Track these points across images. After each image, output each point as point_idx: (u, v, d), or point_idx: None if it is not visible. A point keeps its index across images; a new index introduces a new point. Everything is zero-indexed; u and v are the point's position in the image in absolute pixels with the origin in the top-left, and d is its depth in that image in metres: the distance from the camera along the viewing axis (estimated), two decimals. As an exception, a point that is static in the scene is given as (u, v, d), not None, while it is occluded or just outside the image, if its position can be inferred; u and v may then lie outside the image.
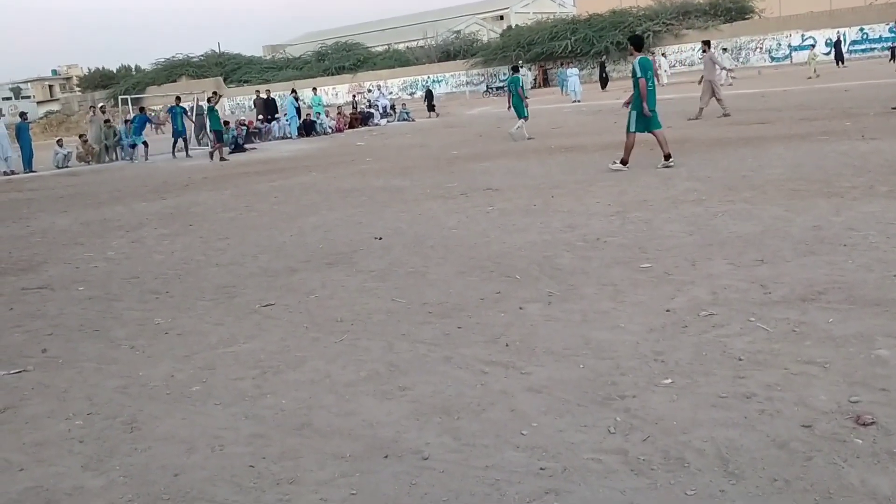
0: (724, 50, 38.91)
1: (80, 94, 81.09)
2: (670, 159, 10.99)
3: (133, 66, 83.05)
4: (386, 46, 71.02)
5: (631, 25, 50.60)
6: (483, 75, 57.66)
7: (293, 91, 30.99)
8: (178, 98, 25.68)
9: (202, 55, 76.16)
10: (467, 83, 58.32)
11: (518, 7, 77.34)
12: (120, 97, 34.25)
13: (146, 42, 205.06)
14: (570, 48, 51.29)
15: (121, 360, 5.05)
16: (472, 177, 12.37)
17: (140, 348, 5.25)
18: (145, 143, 24.65)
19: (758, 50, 46.87)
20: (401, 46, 69.93)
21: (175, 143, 24.58)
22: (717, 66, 18.49)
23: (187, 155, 24.13)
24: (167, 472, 3.42)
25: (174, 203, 12.96)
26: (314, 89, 34.35)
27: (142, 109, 27.36)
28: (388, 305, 5.68)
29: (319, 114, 29.87)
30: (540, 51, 53.54)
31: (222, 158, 21.25)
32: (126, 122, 26.49)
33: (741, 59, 46.86)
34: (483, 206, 9.50)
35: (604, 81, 39.71)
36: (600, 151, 13.83)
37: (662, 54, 43.30)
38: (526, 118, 18.30)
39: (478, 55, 59.24)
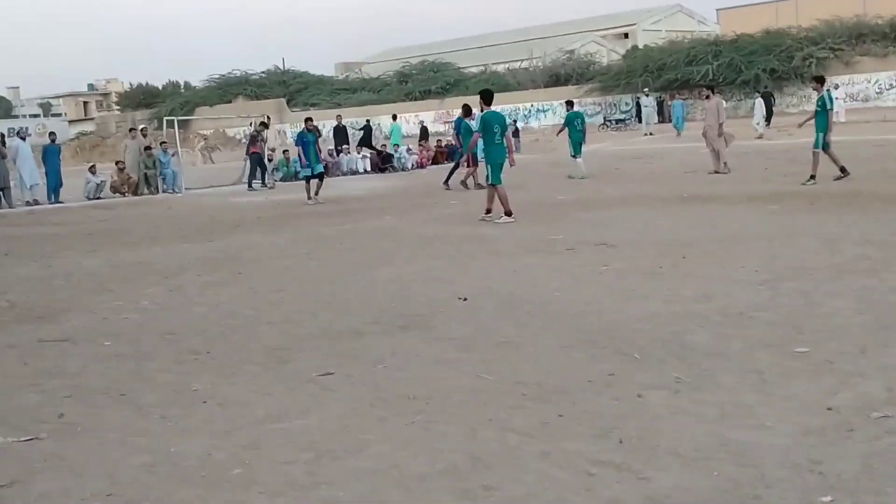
0: (836, 86, 38.04)
1: (118, 113, 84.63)
2: (489, 214, 13.78)
3: (182, 83, 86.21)
4: (482, 67, 71.96)
5: (789, 50, 49.92)
6: (600, 105, 57.52)
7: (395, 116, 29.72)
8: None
9: (263, 72, 78.40)
10: (580, 114, 58.48)
11: (647, 24, 77.59)
12: (165, 118, 35.28)
13: (199, 55, 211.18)
14: (711, 75, 50.80)
15: (149, 431, 5.18)
16: (582, 228, 12.37)
17: (173, 419, 5.38)
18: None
19: (956, 85, 45.55)
20: (499, 68, 70.75)
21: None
22: (719, 115, 19.64)
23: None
24: (197, 572, 3.47)
25: (222, 246, 13.35)
26: (394, 116, 35.12)
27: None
28: (473, 383, 5.69)
29: (398, 145, 30.47)
30: (673, 77, 53.19)
31: (478, 185, 20.12)
32: (162, 143, 27.42)
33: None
34: (595, 266, 9.48)
35: (769, 116, 38.76)
36: (746, 203, 13.63)
37: (836, 86, 42.34)
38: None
39: (594, 80, 59.30)
